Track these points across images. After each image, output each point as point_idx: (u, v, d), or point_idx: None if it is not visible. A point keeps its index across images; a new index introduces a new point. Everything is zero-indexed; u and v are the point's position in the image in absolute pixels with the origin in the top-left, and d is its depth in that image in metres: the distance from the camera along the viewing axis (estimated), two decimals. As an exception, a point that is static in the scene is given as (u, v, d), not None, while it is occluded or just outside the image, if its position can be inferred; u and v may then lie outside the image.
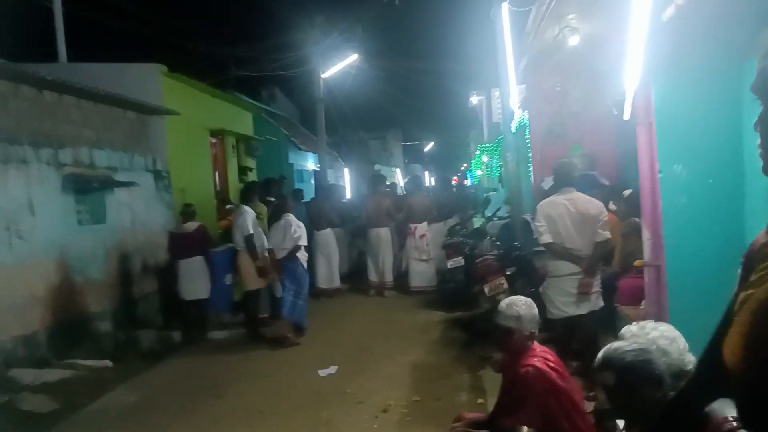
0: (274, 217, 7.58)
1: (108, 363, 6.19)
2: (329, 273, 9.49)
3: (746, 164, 3.29)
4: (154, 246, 8.36)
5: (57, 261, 6.53)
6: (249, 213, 7.06)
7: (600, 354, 2.06)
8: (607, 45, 4.98)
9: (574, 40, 6.30)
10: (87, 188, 7.21)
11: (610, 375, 1.95)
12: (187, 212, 7.40)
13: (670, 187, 3.46)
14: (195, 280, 7.14)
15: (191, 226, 7.27)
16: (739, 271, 1.01)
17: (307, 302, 7.18)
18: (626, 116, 3.80)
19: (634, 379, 1.91)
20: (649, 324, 2.28)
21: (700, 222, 3.42)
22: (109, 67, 8.85)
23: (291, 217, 7.13)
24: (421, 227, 9.35)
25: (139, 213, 8.15)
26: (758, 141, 0.91)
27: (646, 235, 3.69)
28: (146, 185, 8.39)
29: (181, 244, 7.26)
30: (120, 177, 7.75)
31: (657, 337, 2.12)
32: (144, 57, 9.40)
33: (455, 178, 24.30)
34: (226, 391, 5.36)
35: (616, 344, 2.06)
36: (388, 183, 12.12)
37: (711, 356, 1.04)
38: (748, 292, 0.91)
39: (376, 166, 26.46)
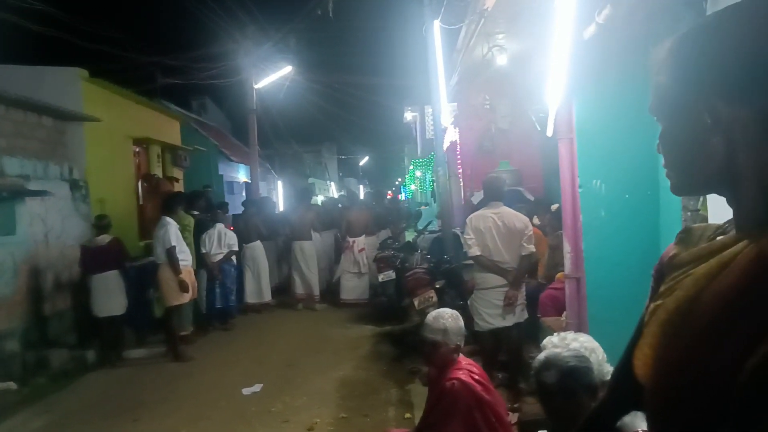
0: (204, 227, 8.16)
1: (12, 385, 5.72)
2: (258, 287, 9.24)
3: (661, 180, 3.45)
4: (68, 260, 7.84)
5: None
6: (171, 225, 6.75)
7: (542, 356, 2.06)
8: (532, 63, 5.14)
9: (502, 59, 6.48)
10: (-6, 197, 6.68)
11: (552, 375, 1.96)
12: (100, 225, 7.03)
13: (590, 201, 3.58)
14: (109, 296, 6.76)
15: (104, 239, 6.90)
16: (651, 283, 1.01)
17: (238, 297, 8.64)
18: (549, 132, 3.91)
19: (575, 383, 1.92)
20: (570, 335, 2.32)
21: (618, 235, 3.55)
22: (26, 70, 8.31)
23: (221, 225, 8.32)
24: (360, 241, 9.31)
25: (53, 225, 7.63)
26: (662, 161, 0.91)
27: (567, 248, 3.79)
28: (62, 195, 7.88)
29: (94, 258, 6.87)
30: (33, 186, 7.24)
31: (577, 348, 2.15)
32: (68, 62, 8.88)
33: (389, 192, 24.46)
34: (143, 414, 5.05)
35: (556, 349, 2.07)
36: (339, 195, 12.09)
37: (624, 369, 1.03)
38: (657, 302, 0.90)
39: (311, 180, 26.28)
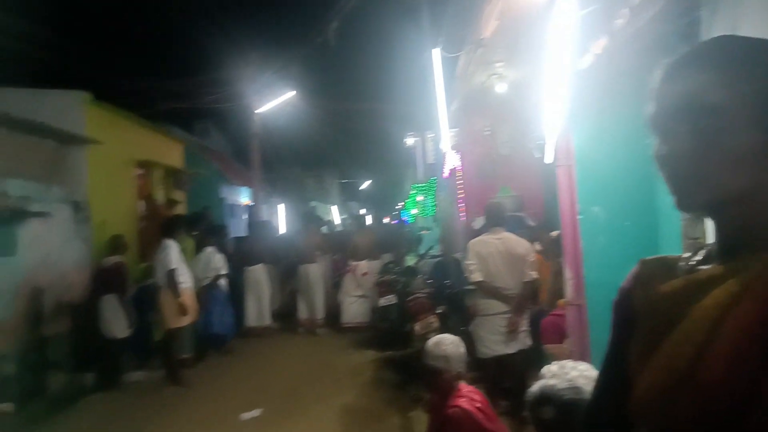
0: (198, 249, 8.15)
1: (10, 407, 5.65)
2: (259, 311, 9.21)
3: (660, 206, 3.46)
4: (68, 282, 7.82)
5: (-44, 297, 5.98)
6: (172, 247, 6.76)
7: (536, 389, 2.04)
8: (531, 91, 5.20)
9: (501, 87, 6.56)
10: (-5, 219, 6.70)
11: (549, 410, 1.93)
12: (112, 246, 7.05)
13: (590, 228, 3.59)
14: (111, 319, 6.73)
15: (109, 261, 6.91)
16: (615, 319, 1.00)
17: (232, 320, 8.39)
18: (547, 159, 3.94)
19: (571, 417, 1.90)
20: (569, 363, 2.30)
21: (617, 261, 3.53)
22: (30, 93, 8.38)
23: (211, 249, 8.16)
24: (363, 265, 9.31)
25: (53, 246, 7.63)
26: (667, 175, 0.91)
27: (568, 274, 3.78)
28: (62, 217, 7.89)
29: (99, 279, 6.88)
30: (34, 208, 7.26)
31: (576, 377, 2.13)
32: (72, 86, 8.99)
33: (391, 216, 24.49)
34: (140, 439, 5.00)
35: (551, 381, 2.05)
36: (342, 219, 12.14)
37: (606, 409, 1.02)
38: (650, 338, 0.88)
39: (312, 203, 26.33)
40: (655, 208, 3.49)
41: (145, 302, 7.26)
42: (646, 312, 0.92)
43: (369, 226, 11.15)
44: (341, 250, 10.00)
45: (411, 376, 6.30)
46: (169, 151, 12.30)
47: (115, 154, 9.47)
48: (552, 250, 5.56)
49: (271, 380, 6.69)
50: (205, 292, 7.93)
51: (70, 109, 8.47)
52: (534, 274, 4.63)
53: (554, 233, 5.73)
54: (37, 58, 9.00)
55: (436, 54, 7.30)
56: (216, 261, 8.06)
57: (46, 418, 5.68)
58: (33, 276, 7.18)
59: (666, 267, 0.94)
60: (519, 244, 4.69)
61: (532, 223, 7.16)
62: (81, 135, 8.34)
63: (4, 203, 6.79)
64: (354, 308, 9.25)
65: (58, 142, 8.15)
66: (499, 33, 5.12)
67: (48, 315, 7.38)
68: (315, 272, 9.41)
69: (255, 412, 5.47)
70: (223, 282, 8.23)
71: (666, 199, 0.98)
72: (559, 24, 3.33)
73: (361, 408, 5.61)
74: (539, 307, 5.37)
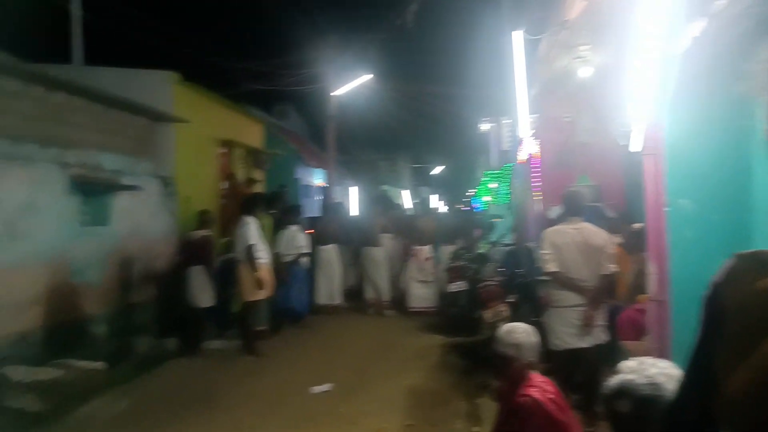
0: (280, 226, 8.44)
1: (101, 366, 6.10)
2: (330, 289, 9.45)
3: (754, 200, 3.24)
4: (154, 252, 8.32)
5: (57, 261, 6.49)
6: (251, 224, 7.03)
7: (614, 382, 1.99)
8: (617, 76, 4.97)
9: (584, 71, 6.30)
10: (92, 190, 7.20)
11: (625, 403, 1.89)
12: (201, 220, 7.46)
13: (676, 221, 3.40)
14: (196, 289, 7.11)
15: (197, 234, 7.30)
16: (705, 315, 0.95)
17: (308, 297, 8.80)
18: (633, 147, 3.76)
19: (649, 413, 1.84)
20: (648, 360, 2.21)
21: (705, 258, 3.34)
22: (123, 72, 8.90)
23: (295, 228, 8.52)
24: (426, 250, 9.32)
25: (142, 218, 8.12)
26: None
27: (651, 268, 3.62)
28: (151, 191, 8.37)
29: (187, 251, 7.29)
30: (125, 181, 7.74)
31: (656, 374, 2.05)
32: (160, 65, 9.48)
33: (463, 203, 24.25)
34: (218, 403, 5.28)
35: (629, 376, 1.99)
36: (397, 204, 12.23)
37: (695, 407, 0.98)
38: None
39: (384, 187, 26.51)
40: (749, 202, 3.26)
41: (226, 275, 7.61)
42: (739, 309, 0.88)
43: (437, 211, 11.12)
44: (409, 234, 10.05)
45: (478, 362, 6.28)
46: (250, 132, 12.73)
47: (200, 133, 9.90)
48: (633, 244, 5.34)
49: (341, 357, 6.86)
50: (287, 268, 8.30)
51: (160, 88, 8.92)
52: (613, 267, 4.46)
53: (636, 226, 5.50)
54: (131, 38, 9.51)
55: (517, 36, 7.11)
56: (300, 239, 8.51)
57: (132, 379, 6.10)
58: (123, 245, 7.69)
59: (762, 263, 0.89)
60: (597, 235, 4.52)
61: (611, 214, 6.89)
62: (170, 113, 8.78)
63: (98, 176, 7.29)
64: (420, 293, 9.30)
65: (149, 120, 8.63)
66: (585, 14, 4.91)
67: (136, 282, 7.89)
68: (379, 255, 9.53)
69: (325, 387, 5.64)
70: (304, 260, 8.68)
71: (761, 192, 0.92)
72: (652, 5, 3.16)
73: (428, 390, 5.65)
74: (616, 302, 5.19)
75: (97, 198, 7.37)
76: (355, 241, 10.77)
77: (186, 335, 7.26)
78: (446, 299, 8.98)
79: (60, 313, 6.45)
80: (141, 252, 8.04)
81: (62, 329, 6.46)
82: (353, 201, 21.99)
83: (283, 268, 8.30)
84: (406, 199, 29.14)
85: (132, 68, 9.08)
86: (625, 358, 2.70)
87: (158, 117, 8.70)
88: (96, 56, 10.12)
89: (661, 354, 3.17)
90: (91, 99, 7.30)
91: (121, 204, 7.69)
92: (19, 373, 5.43)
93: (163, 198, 8.65)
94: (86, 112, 7.29)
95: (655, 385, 1.94)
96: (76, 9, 9.91)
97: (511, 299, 6.24)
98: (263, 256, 7.12)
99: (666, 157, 3.45)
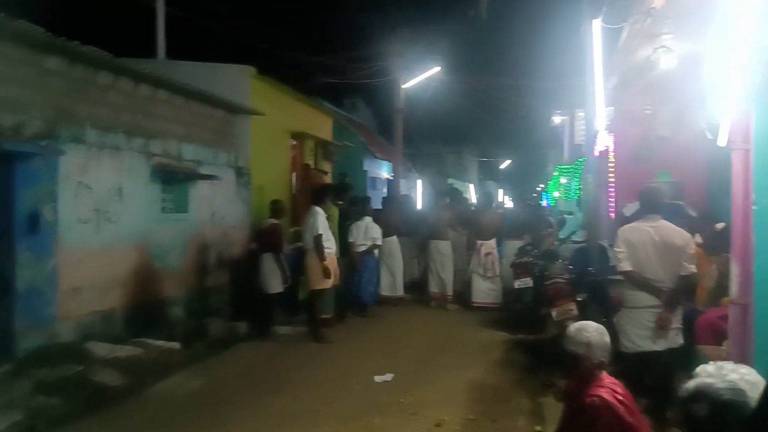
0: (353, 217, 8.71)
1: (176, 346, 6.45)
2: (392, 281, 9.52)
3: None
4: (229, 239, 8.69)
5: (140, 245, 6.91)
6: (320, 214, 7.19)
7: (691, 385, 1.91)
8: (702, 66, 4.71)
9: (667, 62, 6.00)
10: (173, 179, 7.59)
11: (703, 407, 1.81)
12: (272, 209, 7.73)
13: (765, 221, 3.20)
14: (268, 275, 7.37)
15: (268, 222, 7.56)
16: None
17: (376, 288, 8.98)
18: (721, 142, 3.55)
19: (729, 418, 1.76)
20: (728, 365, 2.11)
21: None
22: (203, 66, 9.30)
23: (369, 219, 8.75)
24: (488, 245, 9.22)
25: (218, 206, 8.49)
26: None
27: (734, 270, 3.42)
28: (228, 181, 8.73)
29: (259, 239, 7.57)
30: (204, 170, 8.11)
31: (736, 380, 1.95)
32: (236, 59, 9.83)
33: (531, 198, 23.70)
34: (285, 387, 5.45)
35: (708, 380, 1.91)
36: (464, 197, 12.14)
37: None
38: None
39: (450, 180, 26.32)
40: None
41: (295, 263, 7.83)
42: None
43: (503, 206, 10.93)
44: (474, 228, 9.94)
45: (543, 360, 6.17)
46: (320, 124, 12.99)
47: (273, 125, 10.21)
48: (714, 244, 5.07)
49: (403, 347, 6.91)
50: (360, 258, 8.50)
51: (237, 81, 9.27)
52: (692, 268, 4.23)
53: (719, 225, 5.21)
54: (209, 32, 9.91)
55: (596, 25, 6.84)
56: (374, 231, 8.71)
57: (205, 359, 6.40)
58: (201, 232, 8.07)
59: None
60: (676, 234, 4.30)
61: (692, 212, 6.55)
62: (246, 106, 9.11)
63: (179, 165, 7.67)
64: (484, 287, 9.21)
65: (227, 112, 8.99)
66: (671, 2, 4.68)
67: (212, 267, 8.27)
68: (445, 248, 9.48)
69: (387, 377, 5.71)
70: (377, 251, 8.88)
71: None
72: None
73: (490, 385, 5.61)
74: (694, 305, 4.94)
75: (177, 186, 7.78)
76: (419, 234, 10.79)
77: (256, 319, 7.54)
78: (511, 295, 8.85)
79: (141, 295, 6.87)
80: (217, 239, 8.42)
81: (142, 310, 6.87)
82: (419, 193, 21.95)
83: (355, 258, 8.47)
84: (472, 193, 28.81)
85: (210, 62, 9.47)
86: (702, 363, 2.58)
87: (235, 109, 9.05)
88: (177, 51, 10.63)
89: (742, 360, 3.00)
90: (174, 92, 7.68)
91: (199, 192, 8.07)
92: (101, 349, 5.84)
93: (238, 187, 9.01)
94: (169, 105, 7.68)
95: (735, 391, 1.85)
96: (160, 5, 10.42)
97: (579, 298, 6.06)
98: (330, 246, 7.26)
99: (755, 152, 3.25)
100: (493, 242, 9.27)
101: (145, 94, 7.21)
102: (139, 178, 6.91)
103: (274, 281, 7.37)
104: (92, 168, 6.20)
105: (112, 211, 6.47)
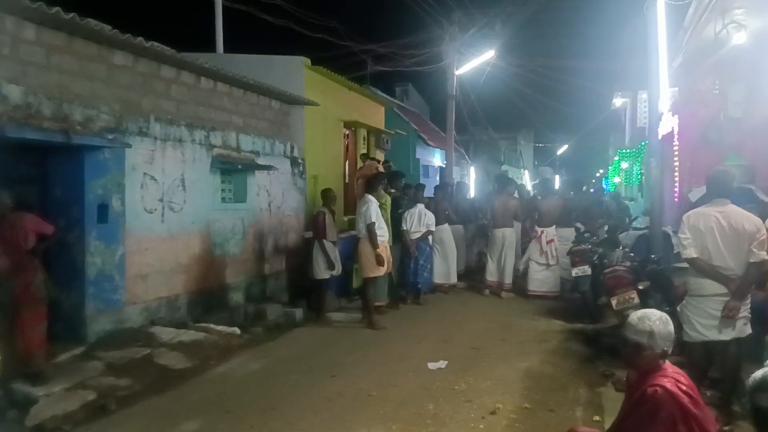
0: (406, 205, 8.82)
1: (237, 330, 6.67)
2: (446, 269, 9.48)
3: None
4: (286, 227, 8.89)
5: (201, 234, 7.17)
6: (373, 202, 7.24)
7: (758, 374, 1.83)
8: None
9: (739, 38, 5.69)
10: (232, 169, 7.82)
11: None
12: (324, 197, 7.90)
13: None
14: (315, 262, 7.55)
15: (322, 210, 7.71)
16: None
17: (431, 275, 8.96)
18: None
19: None
20: (802, 356, 2.00)
21: None
22: (259, 59, 9.49)
23: (422, 206, 8.81)
24: (549, 231, 9.02)
25: (275, 195, 8.69)
26: None
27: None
28: (283, 170, 8.91)
29: (314, 227, 7.77)
30: (261, 161, 8.30)
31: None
32: (289, 50, 9.98)
33: (591, 184, 23.04)
34: (340, 371, 5.55)
35: None
36: (520, 184, 11.94)
37: None
38: None
39: (504, 167, 25.91)
40: None
41: (347, 251, 7.93)
42: None
43: (562, 192, 10.60)
44: (530, 215, 9.75)
45: (601, 350, 6.02)
46: (372, 113, 13.02)
47: (327, 115, 10.32)
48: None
49: (457, 335, 6.89)
50: (414, 245, 8.54)
51: (292, 72, 9.41)
52: (762, 255, 4.01)
53: (794, 210, 4.91)
54: (260, 21, 10.09)
55: (661, 2, 6.54)
56: (429, 217, 8.75)
57: (264, 342, 6.60)
58: (258, 220, 8.29)
59: None
60: (747, 219, 4.08)
61: (764, 197, 6.20)
62: (301, 97, 9.24)
63: (238, 156, 7.88)
64: (541, 276, 9.02)
65: (283, 103, 9.15)
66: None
67: (269, 255, 8.49)
68: (510, 237, 9.34)
69: (441, 363, 5.71)
70: (431, 238, 8.92)
71: None
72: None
73: (546, 374, 5.51)
74: (765, 294, 4.69)
75: (236, 176, 8.01)
76: (474, 222, 10.67)
77: (311, 305, 7.70)
78: (568, 284, 8.66)
79: (203, 281, 7.13)
80: (274, 227, 8.63)
81: (204, 295, 7.14)
82: (472, 181, 21.70)
83: (410, 245, 8.52)
84: (527, 179, 28.24)
85: (266, 54, 9.64)
86: (774, 354, 2.46)
87: (291, 100, 9.20)
88: (235, 44, 10.90)
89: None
90: (233, 84, 7.90)
91: (257, 182, 8.27)
92: (166, 333, 6.12)
93: (293, 177, 9.18)
94: (228, 97, 7.91)
95: None
96: (218, 0, 10.69)
97: (641, 286, 5.87)
98: (383, 233, 7.30)
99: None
100: (553, 229, 9.07)
101: (205, 87, 7.44)
102: (200, 168, 7.15)
103: (320, 267, 7.53)
104: (157, 159, 6.46)
105: (176, 200, 6.74)
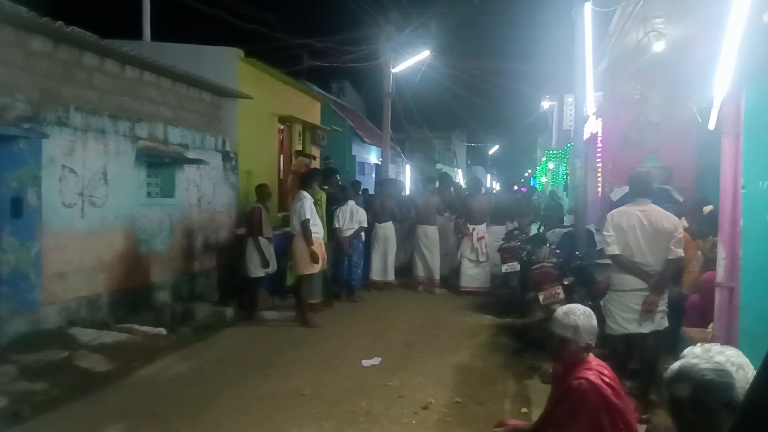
0: (334, 202, 8.61)
1: (163, 331, 6.41)
2: (384, 266, 9.52)
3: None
4: (216, 224, 8.62)
5: (125, 230, 6.83)
6: (308, 199, 7.15)
7: (675, 365, 1.91)
8: (694, 50, 4.70)
9: (659, 46, 6.00)
10: (159, 163, 7.49)
11: (685, 387, 1.80)
12: (257, 193, 7.74)
13: (754, 204, 3.22)
14: (248, 260, 7.36)
15: (255, 207, 7.53)
16: None
17: (364, 272, 9.03)
18: (711, 125, 3.56)
19: (711, 399, 1.76)
20: (715, 347, 2.11)
21: (784, 244, 3.16)
22: (189, 48, 9.15)
23: (353, 202, 8.69)
24: (480, 229, 9.23)
25: (205, 191, 8.41)
26: None
27: (721, 253, 3.45)
28: (215, 165, 8.64)
29: (246, 224, 7.60)
30: (191, 155, 8.01)
31: (722, 362, 1.95)
32: (222, 41, 9.66)
33: (519, 183, 23.82)
34: (272, 371, 5.44)
35: (693, 360, 1.90)
36: (453, 182, 12.14)
37: None
38: None
39: (438, 165, 26.29)
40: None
41: (282, 248, 7.79)
42: None
43: (492, 191, 10.92)
44: (462, 213, 9.95)
45: (529, 344, 6.21)
46: (308, 108, 12.86)
47: (261, 109, 10.09)
48: (702, 228, 5.10)
49: (391, 331, 6.93)
50: (347, 242, 8.47)
51: (225, 64, 9.13)
52: (680, 252, 4.25)
53: (706, 208, 5.24)
54: (193, 10, 9.72)
55: (587, 9, 6.81)
56: (360, 214, 8.70)
57: (192, 343, 6.37)
58: (188, 216, 7.99)
59: None
60: (666, 218, 4.32)
61: (680, 197, 6.59)
62: (234, 89, 8.97)
63: (166, 149, 7.56)
64: (472, 272, 9.23)
65: (214, 95, 8.86)
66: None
67: (198, 252, 8.21)
68: (432, 233, 9.49)
69: (375, 360, 5.71)
70: (363, 234, 8.88)
71: None
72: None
73: (476, 368, 5.64)
74: (680, 289, 4.98)
75: (164, 170, 7.67)
76: (408, 219, 10.76)
77: (242, 304, 7.51)
78: (498, 280, 8.90)
79: (127, 280, 6.80)
80: (204, 223, 8.34)
81: (128, 295, 6.81)
82: (407, 178, 21.89)
83: (342, 242, 8.45)
84: (461, 178, 28.79)
85: (197, 44, 9.30)
86: (687, 345, 2.60)
87: (223, 92, 8.92)
88: (163, 32, 10.43)
89: (727, 343, 3.02)
90: (161, 74, 7.55)
91: (186, 177, 7.97)
92: (86, 334, 5.78)
93: (225, 172, 8.92)
94: (155, 88, 7.56)
95: (720, 372, 1.84)
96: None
97: (566, 282, 6.10)
98: (318, 231, 7.23)
99: (744, 136, 3.26)
100: (484, 226, 9.29)
101: (131, 77, 7.08)
102: (124, 161, 6.81)
103: (255, 265, 7.36)
104: (77, 151, 6.09)
105: (97, 195, 6.38)
